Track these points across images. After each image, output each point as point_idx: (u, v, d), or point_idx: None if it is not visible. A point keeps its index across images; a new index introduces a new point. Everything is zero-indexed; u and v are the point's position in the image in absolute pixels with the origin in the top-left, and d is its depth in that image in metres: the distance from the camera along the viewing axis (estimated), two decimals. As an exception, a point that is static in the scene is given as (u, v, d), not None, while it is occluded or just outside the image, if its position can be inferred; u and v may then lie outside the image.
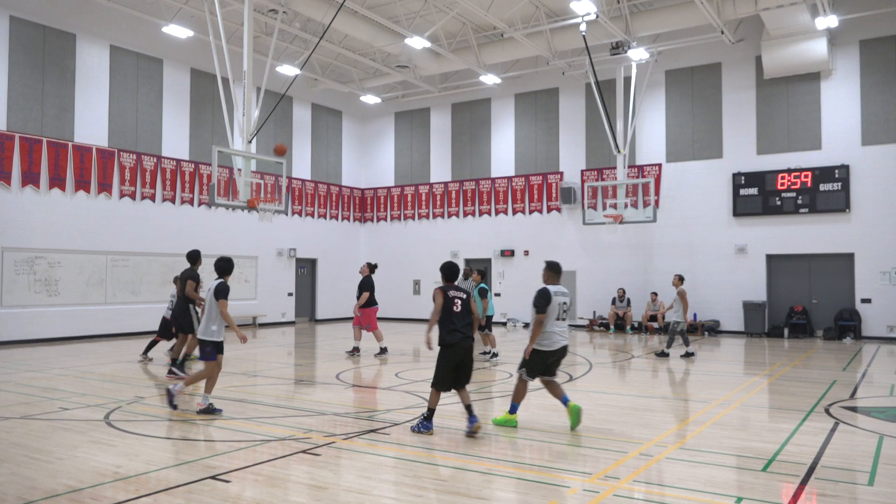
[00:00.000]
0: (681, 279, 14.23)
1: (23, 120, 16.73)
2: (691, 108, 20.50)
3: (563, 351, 7.30)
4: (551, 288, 7.24)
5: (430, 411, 7.12)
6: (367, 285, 13.90)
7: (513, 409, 7.40)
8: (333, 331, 20.43)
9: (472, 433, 6.92)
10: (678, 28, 18.24)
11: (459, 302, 7.14)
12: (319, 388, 10.36)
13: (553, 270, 7.43)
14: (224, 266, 8.15)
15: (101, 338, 17.75)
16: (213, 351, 7.97)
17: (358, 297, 13.88)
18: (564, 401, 7.29)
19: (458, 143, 24.85)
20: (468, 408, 7.03)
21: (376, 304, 14.13)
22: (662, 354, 14.07)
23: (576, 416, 7.16)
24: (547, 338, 7.16)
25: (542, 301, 7.14)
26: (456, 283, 7.39)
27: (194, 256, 11.37)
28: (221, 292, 7.91)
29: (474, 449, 6.54)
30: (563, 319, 7.28)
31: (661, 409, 8.73)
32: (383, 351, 13.81)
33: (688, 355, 13.90)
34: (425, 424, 7.08)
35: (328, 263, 24.74)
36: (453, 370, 7.07)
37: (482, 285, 13.32)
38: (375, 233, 26.47)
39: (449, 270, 7.43)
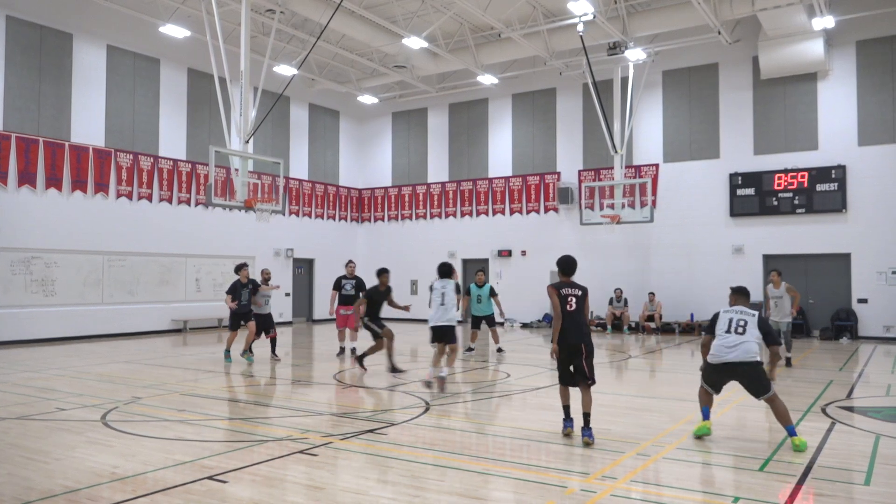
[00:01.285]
0: (779, 274, 12.86)
1: (19, 120, 16.70)
2: (688, 108, 20.52)
3: (729, 367, 6.77)
4: (726, 308, 7.10)
5: (564, 408, 6.97)
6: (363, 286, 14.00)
7: (704, 415, 7.08)
8: (330, 331, 20.38)
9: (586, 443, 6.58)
10: (675, 28, 18.27)
11: (574, 300, 6.82)
12: (316, 389, 10.36)
13: (737, 293, 7.29)
14: (445, 270, 9.82)
15: (98, 338, 17.72)
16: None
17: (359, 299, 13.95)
18: (790, 432, 6.56)
19: (455, 144, 24.86)
20: (585, 416, 6.69)
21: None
22: (789, 363, 12.60)
23: (800, 447, 6.45)
24: (713, 351, 6.92)
25: (709, 322, 7.15)
26: (571, 278, 7.01)
27: (381, 272, 11.87)
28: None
29: (471, 449, 6.54)
30: (739, 333, 6.75)
31: (658, 409, 8.74)
32: (353, 351, 13.96)
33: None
34: (565, 422, 6.92)
35: (326, 264, 24.70)
36: (565, 367, 6.83)
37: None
38: (373, 233, 26.46)
39: (565, 265, 7.05)
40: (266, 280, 13.45)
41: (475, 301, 14.45)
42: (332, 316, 14.38)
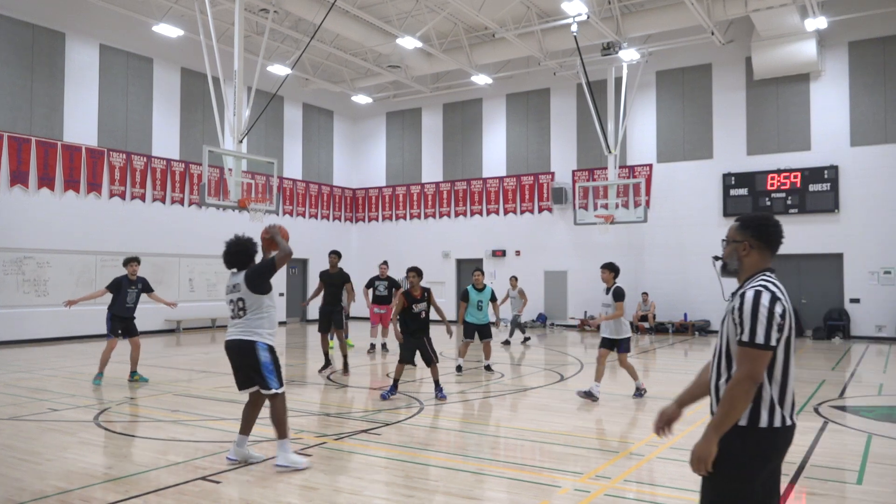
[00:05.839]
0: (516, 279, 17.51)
1: (12, 119, 16.61)
2: (682, 108, 20.58)
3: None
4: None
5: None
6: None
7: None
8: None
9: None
10: (669, 29, 18.31)
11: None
12: (310, 389, 10.34)
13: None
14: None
15: (91, 338, 17.63)
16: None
17: (394, 297, 14.34)
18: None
19: (449, 144, 24.85)
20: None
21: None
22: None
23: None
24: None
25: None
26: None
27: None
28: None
29: (465, 449, 6.54)
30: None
31: (652, 408, 8.75)
32: (383, 346, 14.77)
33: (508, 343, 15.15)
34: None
35: (319, 264, 24.59)
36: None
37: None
38: (367, 233, 26.44)
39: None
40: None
41: (474, 307, 11.85)
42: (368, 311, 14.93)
